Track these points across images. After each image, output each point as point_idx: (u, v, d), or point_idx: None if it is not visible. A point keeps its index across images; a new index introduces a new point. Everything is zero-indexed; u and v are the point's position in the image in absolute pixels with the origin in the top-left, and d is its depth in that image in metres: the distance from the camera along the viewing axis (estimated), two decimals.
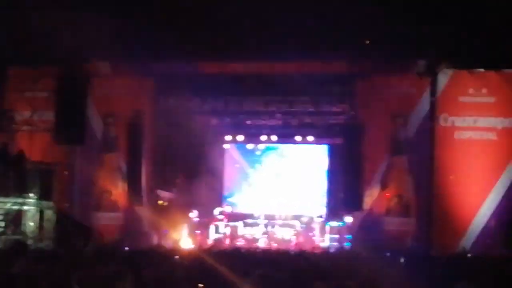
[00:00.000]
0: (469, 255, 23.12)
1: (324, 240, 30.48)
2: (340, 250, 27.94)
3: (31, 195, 24.62)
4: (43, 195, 25.15)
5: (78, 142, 25.97)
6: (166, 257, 21.16)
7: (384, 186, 27.37)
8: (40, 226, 25.00)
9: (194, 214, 31.10)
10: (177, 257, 21.33)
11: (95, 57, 26.33)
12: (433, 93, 26.49)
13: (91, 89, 26.12)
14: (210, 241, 30.04)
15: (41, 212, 25.15)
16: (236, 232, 31.00)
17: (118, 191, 28.26)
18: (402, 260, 20.52)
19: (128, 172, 28.06)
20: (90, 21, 23.82)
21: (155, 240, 28.44)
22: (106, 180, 28.32)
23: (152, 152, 29.01)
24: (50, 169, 25.83)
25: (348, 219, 28.88)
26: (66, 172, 27.31)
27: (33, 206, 24.86)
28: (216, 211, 31.82)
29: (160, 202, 29.91)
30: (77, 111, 25.15)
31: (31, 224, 24.72)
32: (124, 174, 28.22)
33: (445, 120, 26.45)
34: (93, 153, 28.19)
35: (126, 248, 23.82)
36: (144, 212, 28.28)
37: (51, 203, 25.59)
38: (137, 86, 28.37)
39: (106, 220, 28.06)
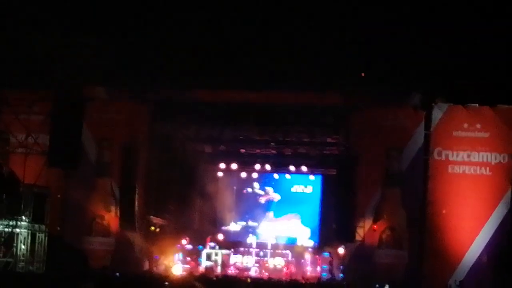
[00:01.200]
0: None
1: (316, 270, 30.42)
2: (332, 281, 27.92)
3: (23, 217, 24.60)
4: (36, 218, 25.11)
5: (72, 166, 25.94)
6: (157, 283, 21.21)
7: (376, 218, 27.36)
8: (32, 249, 24.96)
9: (186, 241, 31.05)
10: (167, 283, 21.38)
11: (92, 82, 26.37)
12: (427, 127, 26.48)
13: (86, 113, 26.10)
14: (201, 268, 29.95)
15: (33, 235, 25.11)
16: (227, 260, 30.88)
17: (111, 216, 28.19)
18: None
19: (121, 197, 28.01)
20: (88, 47, 24.00)
21: (146, 266, 28.40)
22: (98, 204, 28.25)
23: (146, 178, 28.96)
24: (44, 192, 25.80)
25: (340, 249, 28.85)
26: (59, 196, 27.26)
27: (25, 228, 24.83)
28: (208, 238, 31.73)
29: (152, 228, 29.82)
30: (72, 135, 25.15)
31: (23, 246, 24.68)
32: (117, 199, 28.16)
33: (439, 154, 26.45)
34: (87, 177, 28.13)
35: (117, 274, 23.83)
36: (136, 237, 28.21)
37: (43, 226, 25.56)
38: (133, 111, 28.39)
39: (98, 245, 28.00)
